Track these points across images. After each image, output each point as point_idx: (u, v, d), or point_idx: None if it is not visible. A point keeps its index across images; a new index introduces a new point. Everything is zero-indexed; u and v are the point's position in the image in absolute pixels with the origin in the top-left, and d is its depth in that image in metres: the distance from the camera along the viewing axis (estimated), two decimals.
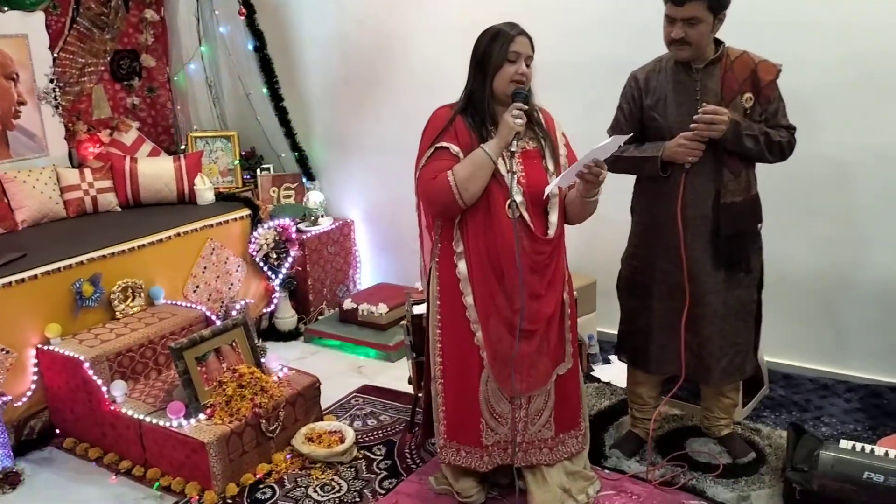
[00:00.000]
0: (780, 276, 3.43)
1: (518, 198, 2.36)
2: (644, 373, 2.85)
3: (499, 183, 2.37)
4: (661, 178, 2.58)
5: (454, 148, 2.38)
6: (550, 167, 2.44)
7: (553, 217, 2.44)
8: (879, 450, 2.50)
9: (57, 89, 4.11)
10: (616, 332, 2.94)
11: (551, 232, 2.42)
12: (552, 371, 2.53)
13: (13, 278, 3.13)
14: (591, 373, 3.63)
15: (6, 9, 3.56)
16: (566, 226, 2.52)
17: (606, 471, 2.84)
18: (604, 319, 3.78)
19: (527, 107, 2.34)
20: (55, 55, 4.12)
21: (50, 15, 4.08)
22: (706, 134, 2.47)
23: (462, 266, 2.44)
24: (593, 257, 3.62)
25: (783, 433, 2.97)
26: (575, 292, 2.62)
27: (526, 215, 2.38)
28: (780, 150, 2.58)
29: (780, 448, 2.89)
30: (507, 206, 2.35)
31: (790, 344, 3.50)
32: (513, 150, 2.32)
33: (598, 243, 3.41)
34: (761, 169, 2.64)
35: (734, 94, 2.53)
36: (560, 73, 3.62)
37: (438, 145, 2.40)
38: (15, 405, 3.13)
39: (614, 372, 3.54)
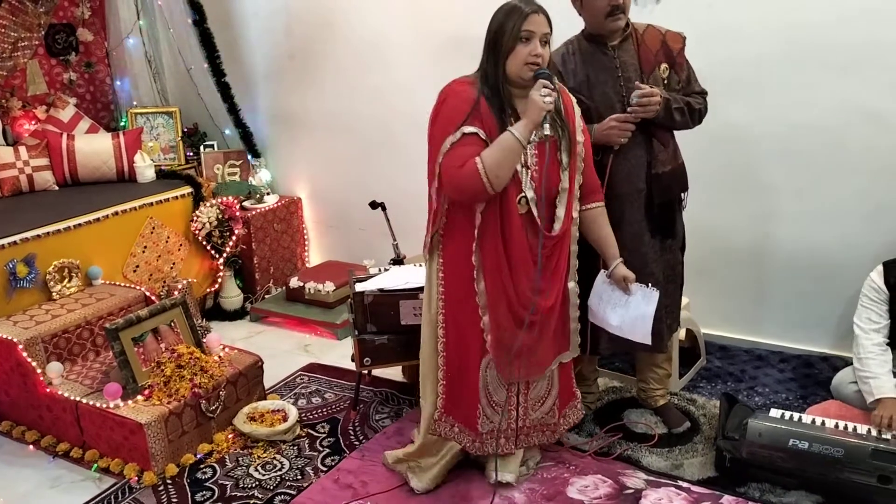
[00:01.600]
0: (716, 250, 3.49)
1: (529, 193, 2.28)
2: (594, 356, 2.85)
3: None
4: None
5: (482, 133, 2.23)
6: (564, 160, 2.32)
7: (560, 211, 2.32)
8: (807, 418, 2.59)
9: None
10: None
11: (556, 227, 2.32)
12: (553, 359, 2.50)
13: None
14: None
15: None
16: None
17: None
18: None
19: (553, 84, 2.19)
20: None
21: None
22: (642, 115, 2.50)
23: (476, 252, 2.34)
24: None
25: (717, 403, 3.04)
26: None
27: (535, 210, 2.29)
28: (700, 116, 2.66)
29: (714, 418, 2.96)
30: (517, 201, 2.26)
31: (726, 317, 3.58)
32: (545, 133, 2.17)
33: None
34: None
35: (652, 66, 2.58)
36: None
37: (466, 131, 2.23)
38: None
39: None
